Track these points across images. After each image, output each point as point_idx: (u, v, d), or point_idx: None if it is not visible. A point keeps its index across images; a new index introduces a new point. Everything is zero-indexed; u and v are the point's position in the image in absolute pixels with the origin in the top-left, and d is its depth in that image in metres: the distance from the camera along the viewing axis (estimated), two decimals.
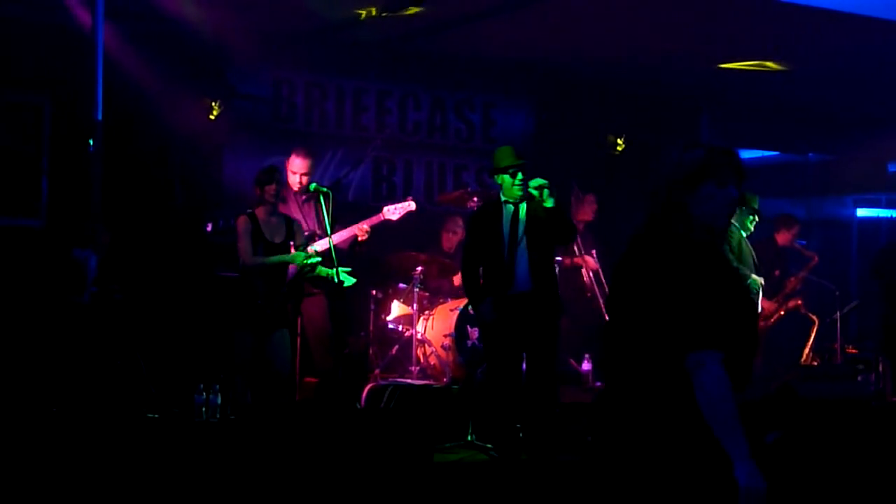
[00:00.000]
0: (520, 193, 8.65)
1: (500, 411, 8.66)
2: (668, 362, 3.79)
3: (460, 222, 12.20)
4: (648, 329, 3.85)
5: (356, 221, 10.46)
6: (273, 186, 9.47)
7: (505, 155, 8.78)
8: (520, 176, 8.68)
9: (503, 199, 8.78)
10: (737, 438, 3.70)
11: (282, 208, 9.90)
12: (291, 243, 9.51)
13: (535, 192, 8.57)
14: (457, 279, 11.37)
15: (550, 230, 8.65)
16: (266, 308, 9.33)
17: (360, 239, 10.36)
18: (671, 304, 3.80)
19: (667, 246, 3.89)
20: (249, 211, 9.51)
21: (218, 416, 8.89)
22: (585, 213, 12.72)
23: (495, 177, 8.87)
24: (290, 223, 9.51)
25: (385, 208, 10.73)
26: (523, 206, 8.74)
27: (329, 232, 9.68)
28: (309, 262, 9.56)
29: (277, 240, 9.35)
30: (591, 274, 12.15)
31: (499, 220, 8.73)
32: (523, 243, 8.65)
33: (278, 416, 8.80)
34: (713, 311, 3.77)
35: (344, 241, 10.30)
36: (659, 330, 3.82)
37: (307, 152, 10.56)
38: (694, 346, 3.75)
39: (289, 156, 10.59)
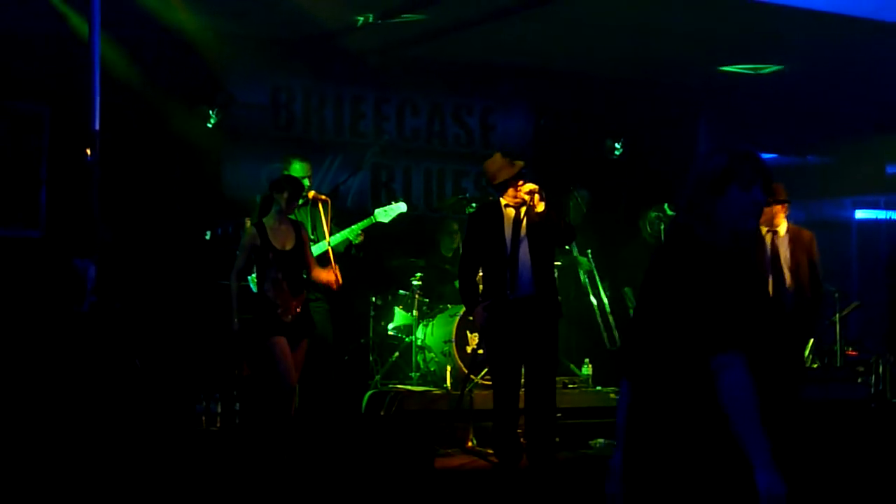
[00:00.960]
0: (524, 196, 8.59)
1: (501, 416, 8.65)
2: (692, 365, 3.80)
3: (457, 228, 12.20)
4: (674, 332, 3.87)
5: None
6: (287, 194, 9.40)
7: (499, 165, 8.68)
8: (521, 182, 8.61)
9: (504, 202, 8.73)
10: (758, 441, 3.69)
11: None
12: (304, 249, 9.44)
13: (526, 198, 8.52)
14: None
15: (547, 234, 8.63)
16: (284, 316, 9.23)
17: (353, 243, 10.36)
18: (695, 307, 3.81)
19: (693, 250, 3.91)
20: (258, 221, 9.39)
21: (218, 424, 8.91)
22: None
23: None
24: (298, 229, 9.42)
25: (376, 211, 10.73)
26: (523, 211, 8.68)
27: (328, 239, 9.68)
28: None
29: (288, 247, 9.28)
30: (587, 275, 12.15)
31: (499, 223, 8.69)
32: (524, 247, 8.62)
33: (279, 424, 8.82)
34: (736, 313, 3.79)
35: (339, 243, 10.32)
36: (684, 333, 3.83)
37: (305, 156, 10.61)
38: (717, 348, 3.75)
39: (284, 165, 10.59)
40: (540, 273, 8.61)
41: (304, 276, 9.42)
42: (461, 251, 9.37)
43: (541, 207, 8.45)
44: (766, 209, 9.96)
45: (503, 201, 8.70)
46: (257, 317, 9.16)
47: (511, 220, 8.65)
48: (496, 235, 8.65)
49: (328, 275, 9.52)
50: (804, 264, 9.94)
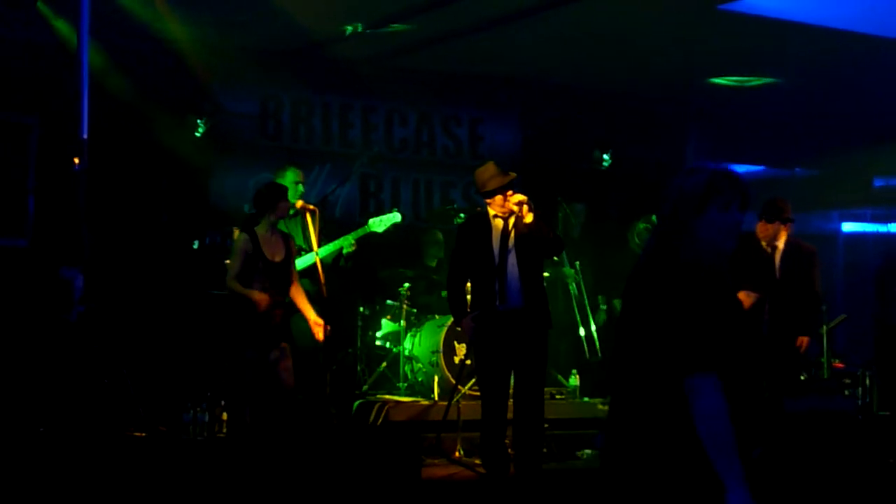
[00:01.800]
0: (513, 207, 8.56)
1: (489, 426, 8.64)
2: (667, 383, 3.80)
3: (442, 238, 12.20)
4: (651, 351, 3.86)
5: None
6: (285, 203, 9.41)
7: (491, 174, 8.66)
8: (510, 193, 8.59)
9: (492, 213, 8.71)
10: (730, 462, 3.69)
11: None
12: (292, 261, 9.44)
13: (514, 208, 8.50)
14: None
15: (535, 245, 8.61)
16: (268, 323, 9.23)
17: (344, 252, 10.35)
18: (668, 327, 3.81)
19: (670, 269, 3.90)
20: (250, 228, 9.38)
21: (206, 433, 8.88)
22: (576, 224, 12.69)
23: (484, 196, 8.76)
24: (287, 241, 9.43)
25: (370, 220, 10.73)
26: (512, 221, 8.65)
27: (316, 249, 9.68)
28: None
29: (277, 258, 9.27)
30: (575, 286, 12.15)
31: (488, 234, 8.66)
32: (513, 258, 8.59)
33: (266, 433, 8.80)
34: (708, 334, 3.78)
35: (329, 254, 10.32)
36: (659, 352, 3.83)
37: (297, 163, 10.65)
38: (689, 369, 3.75)
39: (277, 172, 10.60)
40: (528, 284, 8.59)
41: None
42: (449, 262, 9.34)
43: (529, 218, 8.42)
44: (770, 227, 10.05)
45: (491, 212, 8.67)
46: (237, 328, 9.21)
47: (499, 232, 8.62)
48: (484, 246, 8.62)
49: (317, 329, 9.57)
50: (800, 278, 9.99)
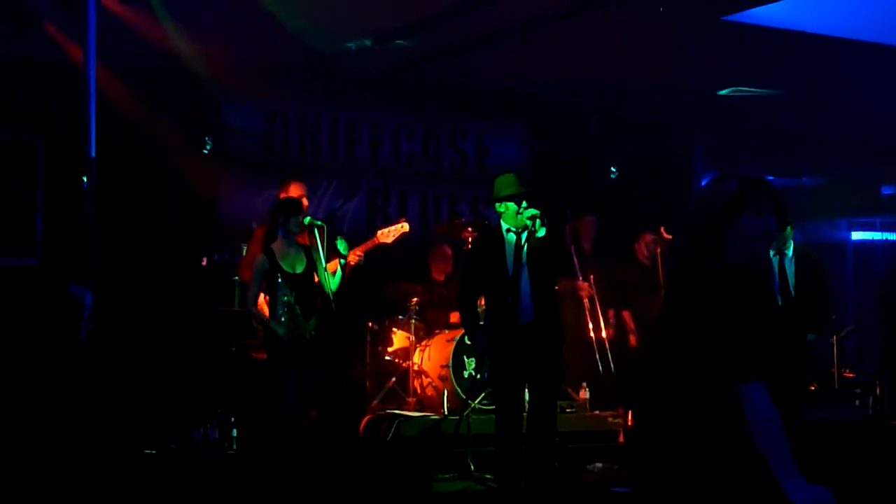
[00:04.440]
0: (526, 222, 8.54)
1: (502, 441, 8.62)
2: (716, 391, 3.81)
3: (448, 251, 12.19)
4: (698, 359, 3.87)
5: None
6: (297, 217, 9.38)
7: (509, 183, 8.68)
8: (525, 204, 8.58)
9: (505, 227, 8.70)
10: (788, 465, 3.73)
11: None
12: (314, 272, 9.39)
13: (528, 223, 8.48)
14: (454, 314, 11.32)
15: (548, 260, 8.60)
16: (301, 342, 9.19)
17: (352, 264, 10.33)
18: (716, 336, 3.82)
19: (710, 278, 3.91)
20: (267, 246, 9.36)
21: (215, 450, 8.89)
22: (587, 236, 12.64)
23: (497, 205, 8.74)
24: (308, 251, 9.40)
25: (379, 232, 10.72)
26: (524, 236, 8.63)
27: (323, 265, 9.67)
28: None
29: (299, 270, 9.26)
30: (587, 300, 12.11)
31: (501, 249, 8.65)
32: (526, 273, 8.57)
33: (277, 449, 8.79)
34: (756, 340, 3.80)
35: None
36: (708, 360, 3.83)
37: (300, 178, 10.63)
38: (740, 377, 3.77)
39: (281, 187, 10.59)
40: (540, 299, 8.57)
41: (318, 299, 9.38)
42: (462, 276, 9.33)
43: (542, 232, 8.42)
44: (781, 235, 10.00)
45: (504, 226, 8.67)
46: (268, 348, 9.16)
47: (512, 246, 8.61)
48: (497, 261, 8.61)
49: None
50: (811, 285, 9.96)
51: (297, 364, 9.09)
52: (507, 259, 8.57)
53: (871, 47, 11.49)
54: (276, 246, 9.26)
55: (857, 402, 10.86)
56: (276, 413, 9.07)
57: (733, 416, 3.78)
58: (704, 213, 4.01)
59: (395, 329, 11.72)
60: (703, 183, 4.20)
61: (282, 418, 9.01)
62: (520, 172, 9.13)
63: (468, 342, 10.61)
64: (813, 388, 10.63)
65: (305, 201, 10.37)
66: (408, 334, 11.43)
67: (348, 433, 10.44)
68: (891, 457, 9.76)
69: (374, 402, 11.29)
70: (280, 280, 9.10)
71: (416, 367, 11.28)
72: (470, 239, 11.24)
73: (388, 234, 10.67)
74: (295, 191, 10.41)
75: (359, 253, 10.31)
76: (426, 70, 12.78)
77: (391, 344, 11.72)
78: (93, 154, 9.36)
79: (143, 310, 11.33)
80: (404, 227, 10.79)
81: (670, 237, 11.77)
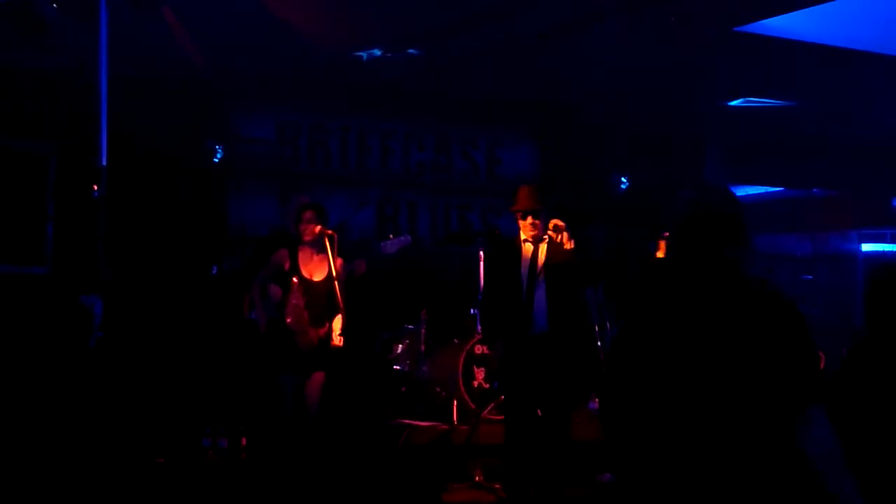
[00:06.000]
0: (532, 233, 8.53)
1: (512, 451, 8.59)
2: (770, 418, 3.76)
3: (458, 262, 12.17)
4: (745, 385, 3.78)
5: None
6: (308, 223, 9.31)
7: (519, 195, 8.67)
8: (530, 219, 8.56)
9: (523, 237, 8.68)
10: (850, 492, 3.70)
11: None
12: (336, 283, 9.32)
13: (552, 234, 8.44)
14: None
15: (573, 272, 8.55)
16: (304, 346, 9.15)
17: (357, 274, 10.29)
18: (783, 359, 3.76)
19: (765, 301, 3.84)
20: (293, 244, 9.31)
21: (225, 458, 8.88)
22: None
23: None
24: (329, 261, 9.33)
25: (381, 244, 10.70)
26: (544, 246, 8.60)
27: (335, 274, 9.66)
28: None
29: (317, 278, 9.24)
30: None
31: (517, 258, 8.63)
32: (542, 283, 8.53)
33: (287, 457, 8.78)
34: (816, 362, 3.78)
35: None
36: (762, 385, 3.76)
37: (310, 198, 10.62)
38: (809, 400, 3.74)
39: (294, 201, 10.59)
40: (556, 309, 8.53)
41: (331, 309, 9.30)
42: (483, 285, 9.31)
43: (569, 245, 8.38)
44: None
45: (522, 236, 8.64)
46: (271, 349, 9.12)
47: (529, 256, 8.58)
48: (513, 270, 8.58)
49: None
50: None
51: (293, 370, 9.07)
52: (523, 269, 8.55)
53: (882, 58, 11.48)
54: (301, 250, 9.26)
55: None
56: (279, 420, 9.06)
57: (788, 445, 3.75)
58: (714, 236, 3.96)
59: (404, 339, 11.72)
60: (685, 195, 4.09)
61: (285, 425, 8.99)
62: (530, 182, 9.07)
63: (477, 352, 10.61)
64: None
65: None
66: (418, 343, 11.44)
67: (358, 442, 10.43)
68: None
69: (384, 411, 11.29)
70: (295, 282, 9.09)
71: (425, 377, 11.27)
72: (481, 251, 11.23)
73: (391, 247, 10.62)
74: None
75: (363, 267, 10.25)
76: (437, 80, 12.79)
77: (400, 353, 11.72)
78: (104, 163, 9.36)
79: (153, 318, 11.34)
80: (407, 239, 10.73)
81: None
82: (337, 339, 9.25)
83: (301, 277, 9.12)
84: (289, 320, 9.04)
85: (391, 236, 10.73)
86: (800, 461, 3.73)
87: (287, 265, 9.14)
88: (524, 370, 8.47)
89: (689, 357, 3.87)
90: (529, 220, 8.51)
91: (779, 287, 3.94)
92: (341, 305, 9.20)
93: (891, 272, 4.51)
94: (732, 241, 3.92)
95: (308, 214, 9.27)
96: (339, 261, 9.33)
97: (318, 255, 9.27)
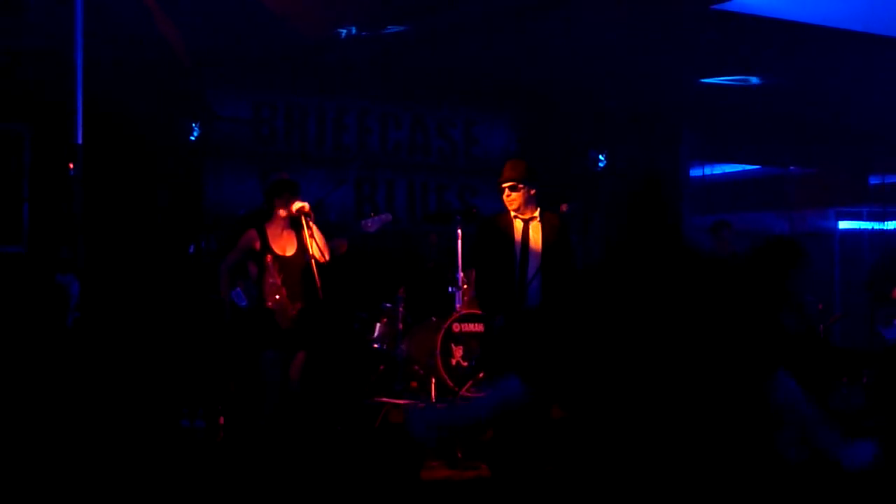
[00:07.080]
0: (512, 206, 8.55)
1: (498, 427, 8.58)
2: (740, 382, 3.76)
3: (436, 240, 12.17)
4: (718, 350, 3.75)
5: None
6: (290, 199, 9.26)
7: (504, 169, 8.69)
8: (507, 191, 8.57)
9: (512, 213, 8.68)
10: (828, 431, 3.85)
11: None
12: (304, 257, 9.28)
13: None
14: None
15: (558, 251, 8.57)
16: (283, 323, 9.11)
17: (338, 253, 10.26)
18: (748, 328, 3.78)
19: (718, 271, 3.89)
20: (259, 223, 9.27)
21: (204, 439, 8.87)
22: None
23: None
24: (300, 235, 9.28)
25: (362, 222, 10.68)
26: (536, 224, 8.61)
27: (312, 251, 9.63)
28: None
29: (289, 252, 9.19)
30: None
31: (509, 233, 8.62)
32: (534, 259, 8.55)
33: (265, 435, 8.78)
34: (775, 332, 3.83)
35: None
36: (738, 354, 3.75)
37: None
38: (775, 366, 3.79)
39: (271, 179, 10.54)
40: (549, 286, 8.53)
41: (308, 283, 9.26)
42: (476, 261, 9.29)
43: (563, 207, 8.44)
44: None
45: (513, 213, 8.64)
46: (250, 328, 9.09)
47: (520, 232, 8.58)
48: (506, 245, 8.58)
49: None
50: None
51: (275, 345, 9.03)
52: (515, 244, 8.56)
53: (859, 36, 11.49)
54: (270, 227, 9.20)
55: (845, 392, 10.89)
56: (258, 398, 9.04)
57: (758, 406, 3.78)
58: (669, 208, 3.98)
59: (382, 317, 11.72)
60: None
61: (266, 402, 8.96)
62: (506, 161, 9.07)
63: (455, 330, 10.63)
64: None
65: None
66: (396, 322, 11.44)
67: (336, 421, 10.43)
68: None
69: (362, 389, 11.29)
70: (269, 260, 9.05)
71: (403, 355, 11.28)
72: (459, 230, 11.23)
73: (371, 225, 10.59)
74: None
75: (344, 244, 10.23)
76: (414, 59, 12.76)
77: (378, 331, 11.71)
78: (80, 141, 9.32)
79: (130, 297, 11.31)
80: (387, 217, 10.70)
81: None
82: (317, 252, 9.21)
83: (274, 255, 9.07)
84: (269, 304, 9.00)
85: (372, 214, 10.71)
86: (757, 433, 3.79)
87: (258, 245, 9.08)
88: (517, 345, 8.46)
89: (644, 335, 3.83)
90: (507, 192, 8.53)
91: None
92: (317, 278, 9.17)
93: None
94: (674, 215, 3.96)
95: (286, 191, 9.23)
96: (321, 235, 9.30)
97: (286, 230, 9.22)
